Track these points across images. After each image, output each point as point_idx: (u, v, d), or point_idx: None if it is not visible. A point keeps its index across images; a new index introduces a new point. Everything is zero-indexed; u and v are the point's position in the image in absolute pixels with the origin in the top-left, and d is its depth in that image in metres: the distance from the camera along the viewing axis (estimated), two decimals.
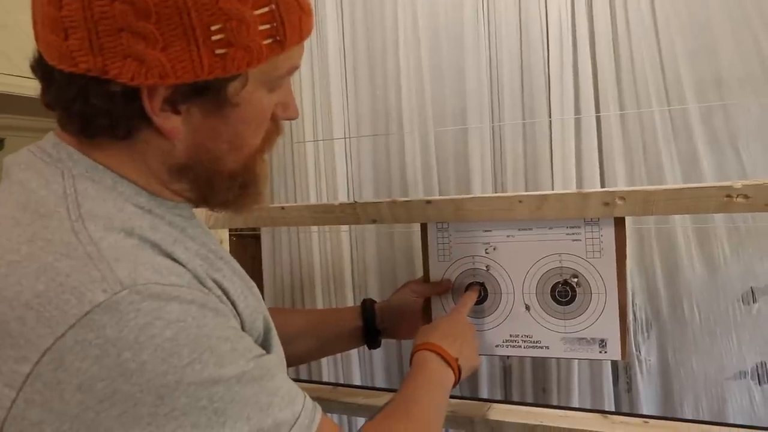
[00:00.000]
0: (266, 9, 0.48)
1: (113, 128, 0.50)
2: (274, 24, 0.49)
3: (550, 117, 1.29)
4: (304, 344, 0.95)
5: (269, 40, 0.49)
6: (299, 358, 0.99)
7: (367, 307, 0.99)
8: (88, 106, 0.48)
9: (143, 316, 0.43)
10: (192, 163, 0.54)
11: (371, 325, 0.98)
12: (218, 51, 0.47)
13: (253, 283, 0.64)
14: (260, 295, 0.65)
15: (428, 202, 0.96)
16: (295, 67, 0.55)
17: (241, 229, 1.53)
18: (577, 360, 1.27)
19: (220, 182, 0.56)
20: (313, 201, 1.50)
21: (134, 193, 0.52)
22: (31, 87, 1.12)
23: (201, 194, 0.57)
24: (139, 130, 0.50)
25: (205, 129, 0.52)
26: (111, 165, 0.52)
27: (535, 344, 0.96)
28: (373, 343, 0.99)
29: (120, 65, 0.45)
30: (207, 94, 0.49)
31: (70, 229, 0.46)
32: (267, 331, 0.61)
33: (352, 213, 1.03)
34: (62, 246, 0.45)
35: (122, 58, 0.45)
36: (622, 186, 1.24)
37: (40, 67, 0.50)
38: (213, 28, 0.46)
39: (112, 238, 0.47)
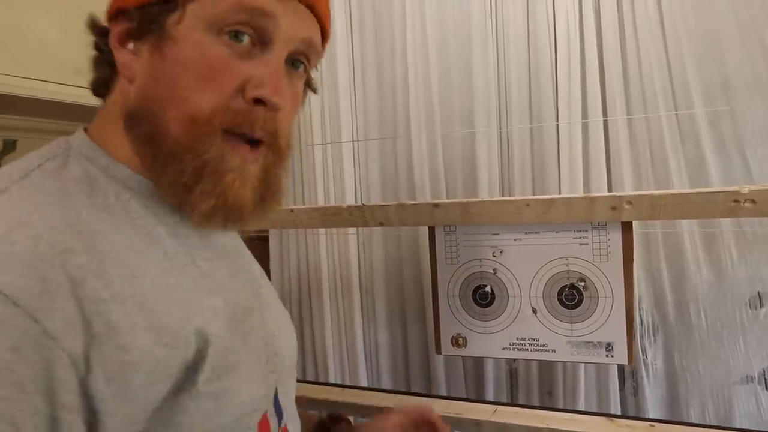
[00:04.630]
0: None
1: (106, 81, 0.53)
2: None
3: (557, 121, 1.29)
4: None
5: None
6: None
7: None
8: (97, 57, 0.53)
9: None
10: (137, 109, 0.50)
11: None
12: None
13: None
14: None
15: (436, 205, 0.97)
16: (247, 7, 0.49)
17: (250, 231, 1.54)
18: (583, 363, 1.27)
19: (162, 143, 0.49)
20: (321, 203, 1.51)
21: (125, 176, 0.50)
22: (43, 89, 1.13)
23: (145, 155, 0.50)
24: (116, 78, 0.53)
25: (149, 69, 0.50)
26: (122, 146, 0.51)
27: (541, 348, 0.97)
28: None
29: None
30: (152, 24, 0.49)
31: None
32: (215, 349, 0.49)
33: (360, 216, 1.04)
34: None
35: None
36: (629, 190, 1.24)
37: (102, 44, 0.53)
38: None
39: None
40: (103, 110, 0.54)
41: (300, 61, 0.54)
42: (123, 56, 0.51)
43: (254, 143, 0.51)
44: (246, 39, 0.49)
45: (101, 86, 0.54)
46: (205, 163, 0.49)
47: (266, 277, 0.71)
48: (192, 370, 0.46)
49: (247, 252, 0.67)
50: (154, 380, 0.43)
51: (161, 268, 0.48)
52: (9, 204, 0.44)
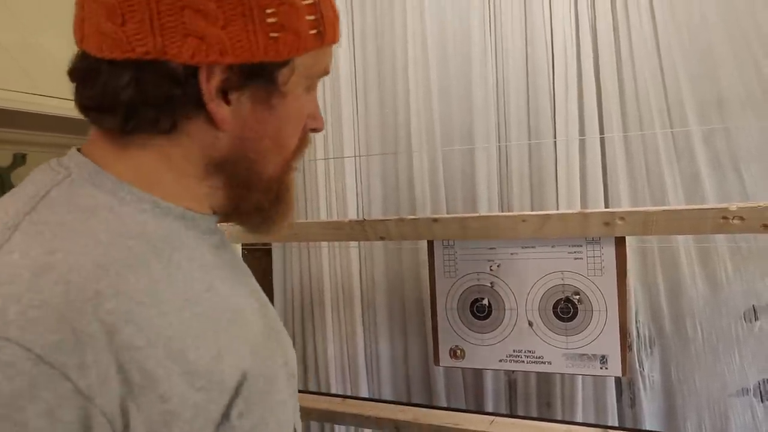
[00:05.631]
0: (311, 0, 0.51)
1: (158, 120, 0.48)
2: (317, 16, 0.51)
3: (555, 138, 1.32)
4: None
5: (313, 31, 0.51)
6: None
7: None
8: (139, 94, 0.47)
9: None
10: (233, 158, 0.52)
11: None
12: (272, 34, 0.48)
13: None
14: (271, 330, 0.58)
15: (435, 220, 1.00)
16: (327, 70, 0.56)
17: (253, 244, 1.57)
18: (580, 375, 1.29)
19: (258, 184, 0.55)
20: (323, 217, 1.54)
21: (137, 199, 0.49)
22: (51, 105, 1.16)
23: (234, 194, 0.55)
24: (186, 121, 0.49)
25: (253, 120, 0.51)
26: (133, 168, 0.50)
27: (537, 359, 0.99)
28: None
29: (180, 44, 0.46)
30: (260, 78, 0.50)
31: None
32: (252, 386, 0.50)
33: (360, 230, 1.06)
34: None
35: (183, 37, 0.46)
36: (625, 205, 1.27)
37: (83, 65, 0.49)
38: (268, 11, 0.47)
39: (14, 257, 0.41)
40: (145, 146, 0.50)
41: None
42: (222, 109, 0.49)
43: None
44: None
45: (147, 125, 0.49)
46: (284, 188, 0.57)
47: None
48: (227, 406, 0.46)
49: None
50: (194, 428, 0.43)
51: (185, 297, 0.47)
52: (25, 243, 0.41)
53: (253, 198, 0.55)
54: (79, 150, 0.52)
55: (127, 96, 0.47)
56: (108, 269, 0.42)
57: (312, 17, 0.50)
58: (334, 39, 0.54)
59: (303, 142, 0.58)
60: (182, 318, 0.45)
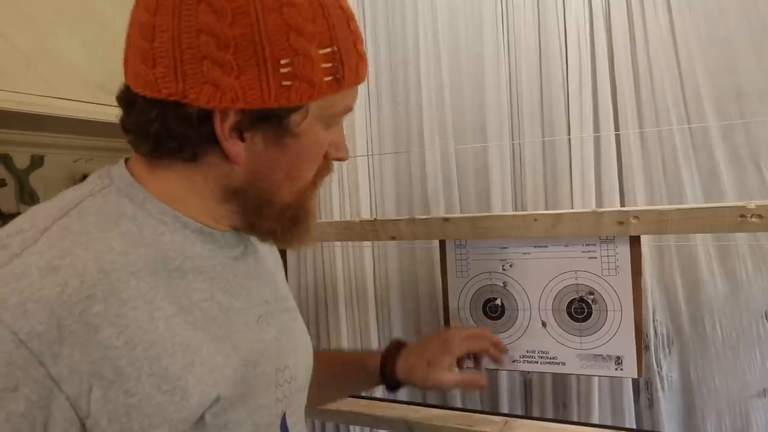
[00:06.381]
0: (329, 50, 0.53)
1: (180, 150, 0.54)
2: (335, 64, 0.54)
3: (569, 134, 1.30)
4: (325, 393, 0.89)
5: (330, 78, 0.54)
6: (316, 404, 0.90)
7: (389, 355, 0.91)
8: (163, 128, 0.53)
9: None
10: (247, 188, 0.57)
11: (392, 379, 0.91)
12: (285, 82, 0.51)
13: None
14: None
15: (446, 219, 0.99)
16: (350, 108, 0.60)
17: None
18: (595, 376, 1.27)
19: (270, 211, 0.59)
20: (336, 216, 1.54)
21: (160, 212, 0.55)
22: (68, 108, 1.17)
23: (248, 219, 0.60)
24: (205, 154, 0.55)
25: (266, 157, 0.56)
26: (161, 185, 0.56)
27: (551, 360, 0.97)
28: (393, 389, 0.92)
29: (198, 90, 0.50)
30: (271, 122, 0.53)
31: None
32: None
33: (372, 230, 1.06)
34: None
35: (201, 84, 0.50)
36: (641, 203, 1.24)
37: (126, 96, 0.55)
38: (282, 61, 0.51)
39: (30, 260, 0.46)
40: (171, 168, 0.56)
41: None
42: (235, 147, 0.54)
43: None
44: None
45: (171, 153, 0.55)
46: (303, 213, 0.61)
47: (287, 287, 0.77)
48: (198, 409, 0.51)
49: (272, 260, 0.74)
50: (153, 423, 0.48)
51: (181, 306, 0.52)
52: (47, 246, 0.47)
53: (264, 224, 0.60)
54: (127, 159, 0.59)
55: (154, 129, 0.53)
56: (110, 274, 0.48)
57: (329, 65, 0.53)
58: (356, 81, 0.57)
59: (323, 171, 0.62)
60: (170, 324, 0.51)
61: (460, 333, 0.92)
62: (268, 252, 0.72)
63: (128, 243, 0.51)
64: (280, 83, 0.51)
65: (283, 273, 0.77)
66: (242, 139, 0.54)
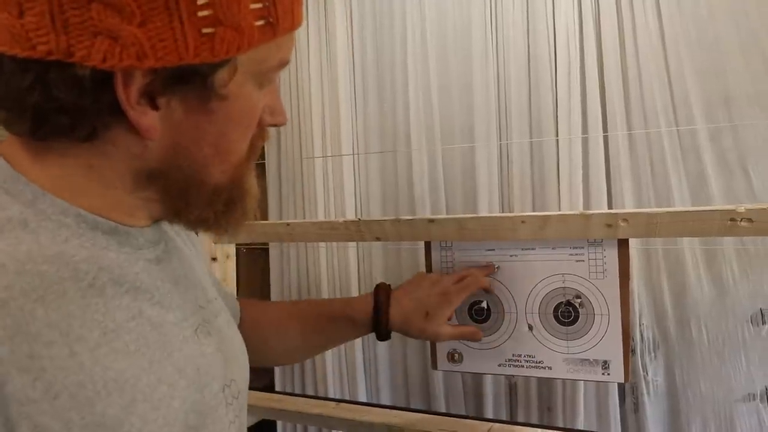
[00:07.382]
0: None
1: (73, 127, 0.41)
2: (266, 3, 0.42)
3: (557, 136, 1.29)
4: (309, 348, 0.89)
5: (261, 22, 0.42)
6: (294, 355, 0.93)
7: (380, 304, 0.85)
8: (46, 99, 0.39)
9: None
10: (166, 168, 0.46)
11: (383, 328, 0.85)
12: (205, 30, 0.39)
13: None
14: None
15: (431, 221, 0.97)
16: (286, 62, 0.48)
17: (250, 243, 1.54)
18: (582, 381, 1.26)
19: (199, 195, 0.48)
20: (321, 216, 1.52)
21: (59, 212, 0.43)
22: None
23: (171, 207, 0.49)
24: (106, 129, 0.42)
25: (187, 127, 0.44)
26: (52, 175, 0.44)
27: (537, 364, 0.96)
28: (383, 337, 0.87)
29: (89, 45, 0.38)
30: (191, 82, 0.42)
31: None
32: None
33: (356, 230, 1.04)
34: None
35: (91, 36, 0.38)
36: (629, 205, 1.23)
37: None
38: (200, 2, 0.39)
39: None
40: (63, 152, 0.44)
41: None
42: (145, 118, 0.42)
43: None
44: None
45: (61, 132, 0.42)
46: (238, 194, 0.50)
47: (217, 282, 0.69)
48: None
49: (190, 248, 0.61)
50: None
51: (105, 330, 0.41)
52: None
53: (193, 212, 0.49)
54: None
55: (33, 100, 0.40)
56: (9, 305, 0.36)
57: (259, 5, 0.42)
58: (293, 26, 0.46)
59: (257, 141, 0.51)
60: (97, 356, 0.40)
61: (452, 279, 0.90)
62: (183, 239, 0.60)
63: (22, 260, 0.39)
64: (200, 31, 0.39)
65: (201, 260, 0.63)
66: (155, 107, 0.42)
